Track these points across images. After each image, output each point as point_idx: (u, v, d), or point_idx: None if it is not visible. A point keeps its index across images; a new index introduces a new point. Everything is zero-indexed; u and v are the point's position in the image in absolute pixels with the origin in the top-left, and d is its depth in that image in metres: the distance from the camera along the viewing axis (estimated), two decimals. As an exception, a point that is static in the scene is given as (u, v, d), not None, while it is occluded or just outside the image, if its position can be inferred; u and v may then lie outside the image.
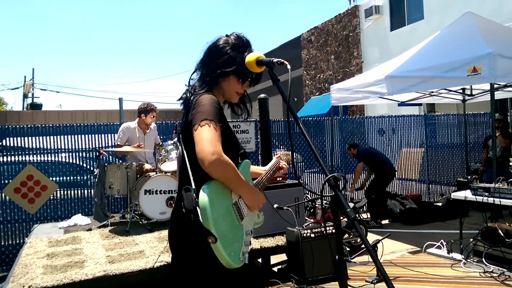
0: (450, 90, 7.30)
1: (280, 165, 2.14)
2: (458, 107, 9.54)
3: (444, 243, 4.68)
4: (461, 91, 7.59)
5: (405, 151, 8.71)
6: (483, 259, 4.16)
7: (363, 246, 5.22)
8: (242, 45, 1.81)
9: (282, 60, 1.58)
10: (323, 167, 1.41)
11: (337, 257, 1.46)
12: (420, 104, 10.04)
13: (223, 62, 1.77)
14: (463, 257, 4.38)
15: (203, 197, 1.55)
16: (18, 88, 29.67)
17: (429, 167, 8.61)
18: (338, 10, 22.92)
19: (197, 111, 1.64)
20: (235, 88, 1.82)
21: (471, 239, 4.43)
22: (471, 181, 4.49)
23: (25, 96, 28.24)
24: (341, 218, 5.85)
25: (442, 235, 5.36)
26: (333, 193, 1.36)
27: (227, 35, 1.84)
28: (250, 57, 1.69)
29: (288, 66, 1.54)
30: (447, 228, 6.12)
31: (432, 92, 7.28)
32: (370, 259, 4.27)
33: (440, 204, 7.60)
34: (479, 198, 4.21)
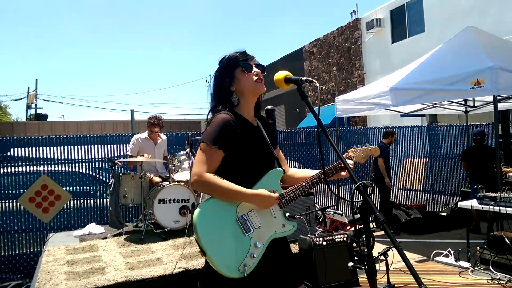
0: (453, 102, 7.47)
1: (343, 165, 1.89)
2: (460, 118, 9.70)
3: (452, 252, 4.79)
4: (463, 102, 7.75)
5: (409, 161, 8.84)
6: (490, 267, 4.28)
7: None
8: (237, 53, 1.96)
9: (311, 79, 1.72)
10: (352, 175, 1.55)
11: (366, 255, 1.55)
12: (423, 115, 10.21)
13: (223, 67, 1.95)
14: (471, 265, 4.49)
15: (195, 215, 1.76)
16: (21, 99, 29.92)
17: (433, 177, 8.74)
18: (340, 23, 23.20)
19: (204, 132, 1.89)
20: (249, 79, 1.91)
21: (478, 248, 4.54)
22: (477, 191, 4.61)
23: (28, 107, 28.50)
24: (349, 227, 5.90)
25: (448, 244, 5.46)
26: (363, 199, 1.49)
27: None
28: (278, 75, 1.85)
29: (317, 84, 1.68)
30: (452, 237, 6.22)
31: (435, 103, 7.45)
32: (381, 268, 4.39)
33: (444, 214, 7.72)
34: (485, 207, 4.33)
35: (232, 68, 1.93)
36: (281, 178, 2.02)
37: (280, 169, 1.97)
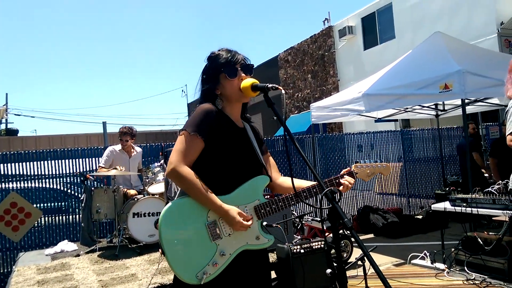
0: (424, 106, 7.63)
1: (341, 181, 1.88)
2: (432, 122, 9.92)
3: (428, 254, 4.85)
4: (434, 106, 7.93)
5: (384, 166, 8.96)
6: (465, 268, 4.34)
7: (349, 260, 5.34)
8: (225, 53, 1.89)
9: (277, 86, 1.70)
10: (320, 182, 1.53)
11: (335, 264, 1.54)
12: (396, 120, 10.39)
13: (209, 69, 1.88)
14: (446, 266, 4.54)
15: (162, 211, 1.69)
16: (-9, 114, 29.07)
17: (408, 181, 8.88)
18: (313, 31, 23.53)
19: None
20: (233, 86, 1.83)
21: (453, 249, 4.61)
22: (449, 193, 4.68)
23: (-2, 122, 27.71)
24: (327, 234, 5.93)
25: (424, 246, 5.53)
26: (331, 205, 1.48)
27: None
28: (245, 83, 1.81)
29: (283, 91, 1.67)
30: (428, 240, 6.31)
31: (407, 108, 7.59)
32: (359, 273, 4.39)
33: (420, 216, 7.83)
34: (458, 209, 4.40)
35: (216, 72, 1.85)
36: (269, 185, 1.94)
37: (266, 176, 1.87)
